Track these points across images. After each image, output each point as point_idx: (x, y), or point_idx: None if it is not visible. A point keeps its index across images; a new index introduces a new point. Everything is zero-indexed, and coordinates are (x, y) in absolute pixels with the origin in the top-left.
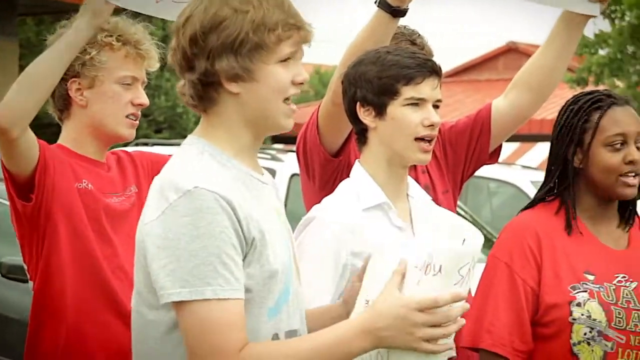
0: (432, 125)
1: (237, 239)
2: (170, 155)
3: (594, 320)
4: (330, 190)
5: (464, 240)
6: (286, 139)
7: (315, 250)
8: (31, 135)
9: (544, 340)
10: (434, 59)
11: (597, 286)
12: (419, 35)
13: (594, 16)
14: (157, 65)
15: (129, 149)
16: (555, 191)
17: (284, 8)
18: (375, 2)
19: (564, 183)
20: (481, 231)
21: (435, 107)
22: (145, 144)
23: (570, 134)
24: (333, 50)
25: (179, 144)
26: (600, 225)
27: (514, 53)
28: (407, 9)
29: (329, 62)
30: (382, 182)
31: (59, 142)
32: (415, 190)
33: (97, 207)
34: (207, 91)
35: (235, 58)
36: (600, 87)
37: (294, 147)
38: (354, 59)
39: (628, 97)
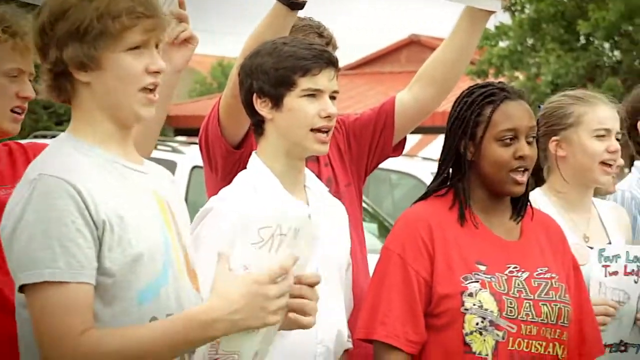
0: (328, 117)
1: (83, 223)
2: None
3: (486, 310)
4: None
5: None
6: (188, 131)
7: (212, 241)
8: None
9: (436, 331)
10: (338, 51)
11: (489, 276)
12: (326, 27)
13: (495, 12)
14: None
15: (28, 140)
16: (449, 183)
17: None
18: None
19: (457, 175)
20: (383, 223)
21: (332, 98)
22: (45, 137)
23: (463, 126)
24: (236, 42)
25: None
26: (492, 216)
27: (416, 46)
28: (305, 1)
29: (232, 54)
30: (279, 173)
31: None
32: (312, 182)
33: None
34: (60, 81)
35: (80, 46)
36: (501, 79)
37: (195, 140)
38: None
39: (522, 91)
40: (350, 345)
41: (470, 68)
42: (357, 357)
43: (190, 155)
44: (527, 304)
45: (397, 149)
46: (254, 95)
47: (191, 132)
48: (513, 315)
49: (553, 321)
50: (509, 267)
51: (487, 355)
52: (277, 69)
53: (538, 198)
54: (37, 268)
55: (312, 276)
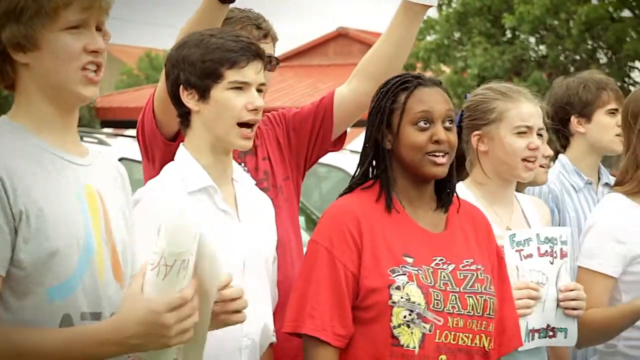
0: (255, 110)
1: (1, 211)
2: None
3: (413, 303)
4: None
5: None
6: (115, 123)
7: (142, 232)
8: None
9: (364, 324)
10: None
11: (416, 269)
12: (265, 19)
13: (432, 6)
14: None
15: None
16: (373, 174)
17: None
18: None
19: (380, 166)
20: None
21: (259, 91)
22: None
23: (380, 116)
24: (164, 34)
25: None
26: (417, 208)
27: (344, 39)
28: None
29: (159, 46)
30: (207, 165)
31: None
32: (240, 174)
33: None
34: (0, 64)
35: (17, 26)
36: (428, 73)
37: (123, 132)
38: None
39: (438, 80)
40: (274, 339)
41: None
42: (289, 351)
43: (116, 147)
44: (453, 297)
45: (338, 143)
46: (181, 86)
47: (118, 124)
48: (440, 308)
49: (479, 313)
50: (435, 259)
51: (414, 347)
52: (204, 61)
53: (461, 191)
54: None
55: (233, 293)
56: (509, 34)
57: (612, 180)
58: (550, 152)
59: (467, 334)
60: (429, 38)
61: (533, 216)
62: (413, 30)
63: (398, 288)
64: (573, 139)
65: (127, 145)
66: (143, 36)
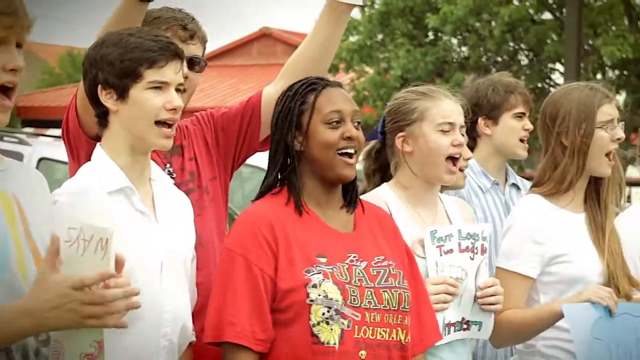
0: (174, 109)
1: None
2: None
3: (331, 299)
4: None
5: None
6: (35, 123)
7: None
8: None
9: (284, 326)
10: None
11: (330, 267)
12: (193, 19)
13: (357, 5)
14: None
15: None
16: (281, 177)
17: None
18: None
19: (288, 168)
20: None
21: (178, 90)
22: None
23: (289, 117)
24: (86, 33)
25: None
26: (326, 209)
27: (267, 39)
28: None
29: (81, 44)
30: (124, 166)
31: None
32: (158, 174)
33: None
34: None
35: None
36: (351, 74)
37: (44, 131)
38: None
39: (340, 82)
40: (194, 338)
41: None
42: (211, 350)
43: (37, 147)
44: (369, 292)
45: (265, 144)
46: (99, 86)
47: (39, 123)
48: (357, 304)
49: (395, 307)
50: (349, 256)
51: (334, 344)
52: (123, 60)
53: (385, 193)
54: None
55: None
56: (431, 36)
57: (518, 180)
58: (471, 155)
59: (384, 329)
60: (351, 39)
61: (456, 217)
62: (338, 30)
63: (315, 286)
64: (480, 140)
65: (48, 145)
66: (65, 34)
